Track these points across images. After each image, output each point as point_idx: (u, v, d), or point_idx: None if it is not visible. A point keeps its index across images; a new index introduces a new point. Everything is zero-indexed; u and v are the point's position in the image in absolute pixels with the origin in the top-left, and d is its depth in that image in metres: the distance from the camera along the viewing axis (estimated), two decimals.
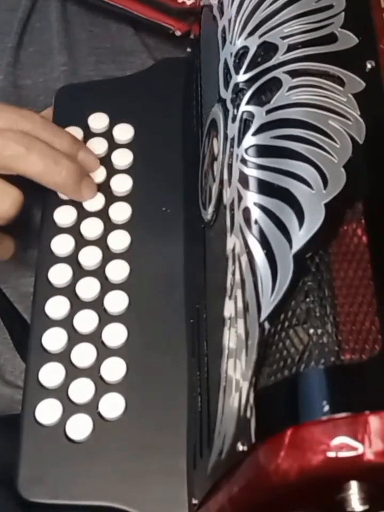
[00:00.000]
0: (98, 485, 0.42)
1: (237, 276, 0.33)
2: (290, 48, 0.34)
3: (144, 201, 0.48)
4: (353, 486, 0.30)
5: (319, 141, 0.32)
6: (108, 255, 0.47)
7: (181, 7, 0.54)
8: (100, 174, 0.49)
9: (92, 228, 0.47)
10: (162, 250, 0.46)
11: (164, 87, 0.51)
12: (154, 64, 0.53)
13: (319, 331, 0.29)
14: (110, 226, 0.48)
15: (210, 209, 0.38)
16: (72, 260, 0.47)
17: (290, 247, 0.30)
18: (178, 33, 0.54)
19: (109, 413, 0.43)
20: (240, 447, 0.31)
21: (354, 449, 0.27)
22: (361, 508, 0.30)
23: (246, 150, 0.34)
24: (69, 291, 0.46)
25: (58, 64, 0.57)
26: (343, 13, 0.34)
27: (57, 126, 0.48)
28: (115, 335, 0.44)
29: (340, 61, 0.33)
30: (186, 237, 0.46)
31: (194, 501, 0.39)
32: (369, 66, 0.33)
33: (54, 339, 0.45)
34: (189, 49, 0.50)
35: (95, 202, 0.48)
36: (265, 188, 0.32)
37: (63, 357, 0.44)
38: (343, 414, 0.27)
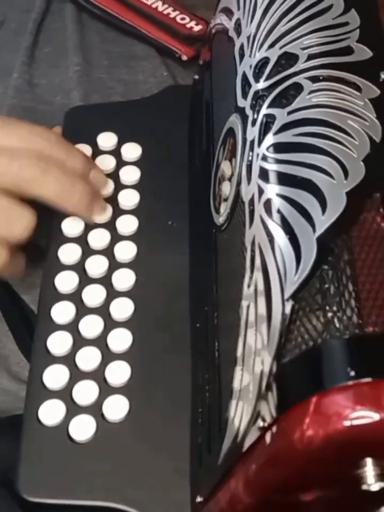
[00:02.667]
0: (100, 485, 0.42)
1: (258, 262, 0.34)
2: (310, 57, 0.37)
3: (151, 215, 0.50)
4: (369, 462, 0.31)
5: (339, 138, 0.34)
6: (114, 264, 0.48)
7: (188, 33, 0.57)
8: (108, 188, 0.51)
9: (98, 238, 0.49)
10: (168, 260, 0.48)
11: (170, 111, 0.53)
12: (161, 90, 0.55)
13: (343, 306, 0.30)
14: (116, 237, 0.49)
15: (225, 212, 0.40)
16: (78, 267, 0.48)
17: (314, 230, 0.32)
18: (184, 57, 0.57)
19: (113, 415, 0.43)
20: (260, 424, 0.32)
21: (378, 414, 0.28)
22: (378, 485, 0.31)
23: (267, 148, 0.36)
24: (75, 297, 0.47)
25: (73, 65, 0.59)
26: (358, 30, 0.38)
27: (70, 143, 0.49)
28: (120, 339, 0.45)
29: (356, 70, 0.36)
30: (192, 248, 0.47)
31: (199, 499, 0.39)
32: (383, 76, 0.36)
33: (59, 342, 0.45)
34: (196, 76, 0.53)
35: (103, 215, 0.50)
36: (287, 179, 0.34)
37: (68, 360, 0.45)
38: (368, 379, 0.28)
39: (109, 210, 0.50)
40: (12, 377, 0.52)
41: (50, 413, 0.43)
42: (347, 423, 0.29)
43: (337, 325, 0.30)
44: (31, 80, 0.59)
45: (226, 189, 0.41)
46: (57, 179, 0.46)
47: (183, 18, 0.58)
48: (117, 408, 0.43)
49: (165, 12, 0.59)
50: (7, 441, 0.45)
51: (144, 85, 0.58)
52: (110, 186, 0.51)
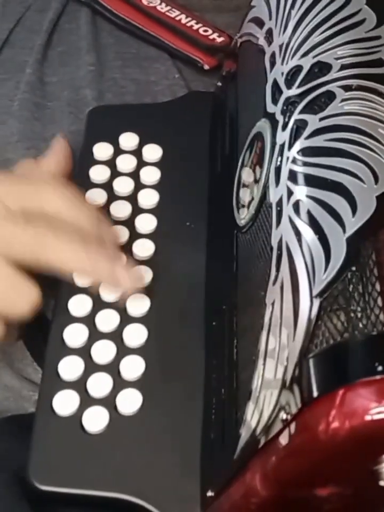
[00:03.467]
0: (110, 477, 0.42)
1: (284, 261, 0.35)
2: (343, 67, 0.38)
3: (169, 215, 0.51)
4: None
5: (370, 145, 0.35)
6: (132, 261, 0.49)
7: (211, 43, 0.58)
8: (127, 186, 0.52)
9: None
10: (184, 260, 0.49)
11: (192, 115, 0.54)
12: (183, 95, 0.56)
13: (370, 305, 0.32)
14: (135, 235, 0.50)
15: (248, 214, 0.41)
16: None
17: (344, 231, 0.33)
18: (206, 67, 0.58)
19: (126, 408, 0.44)
20: (283, 416, 0.32)
21: None
22: None
23: (297, 152, 0.37)
24: (91, 292, 0.48)
25: (86, 64, 0.60)
26: None
27: (79, 196, 0.46)
28: (136, 334, 0.46)
29: None
30: (209, 248, 0.48)
31: (210, 494, 0.40)
32: None
33: (75, 334, 0.46)
34: (219, 84, 0.54)
35: (121, 212, 0.51)
36: (317, 182, 0.36)
37: (83, 352, 0.45)
38: None
39: (128, 207, 0.50)
40: (15, 374, 0.52)
41: (64, 403, 0.43)
42: (372, 417, 0.30)
43: (364, 323, 0.31)
44: (43, 77, 0.60)
45: (251, 191, 0.42)
46: (70, 243, 0.43)
47: (205, 30, 0.60)
48: (130, 402, 0.44)
49: (188, 24, 0.60)
50: (7, 441, 0.45)
51: (156, 86, 0.59)
52: (128, 183, 0.51)
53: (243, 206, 0.44)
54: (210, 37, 0.58)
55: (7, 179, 0.46)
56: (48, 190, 0.45)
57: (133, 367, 0.45)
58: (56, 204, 0.44)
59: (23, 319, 0.45)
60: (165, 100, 0.57)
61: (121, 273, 0.44)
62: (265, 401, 0.34)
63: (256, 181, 0.41)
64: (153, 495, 0.42)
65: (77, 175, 0.53)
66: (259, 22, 0.46)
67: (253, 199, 0.41)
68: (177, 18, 0.60)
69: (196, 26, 0.59)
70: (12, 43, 0.62)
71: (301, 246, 0.34)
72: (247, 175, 0.44)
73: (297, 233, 0.35)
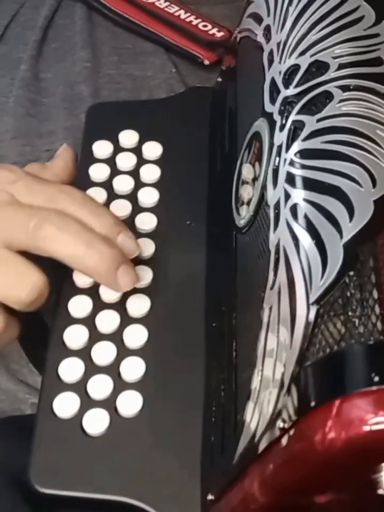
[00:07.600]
0: (111, 480, 0.42)
1: (281, 266, 0.35)
2: (341, 66, 0.37)
3: (170, 213, 0.50)
4: None
5: (368, 147, 0.35)
6: (132, 261, 0.49)
7: (211, 38, 0.58)
8: (127, 184, 0.51)
9: None
10: (185, 260, 0.49)
11: (192, 111, 0.54)
12: (183, 91, 0.56)
13: (367, 312, 0.31)
14: (135, 234, 0.49)
15: (247, 215, 0.41)
16: None
17: (341, 237, 0.33)
18: (206, 62, 0.58)
19: (126, 410, 0.44)
20: (281, 424, 0.32)
21: None
22: None
23: (295, 154, 0.37)
24: (91, 292, 0.47)
25: (81, 61, 0.59)
26: None
27: (98, 203, 0.45)
28: (136, 335, 0.46)
29: None
30: (209, 248, 0.48)
31: (210, 497, 0.40)
32: None
33: (75, 336, 0.46)
34: (219, 79, 0.54)
35: (121, 211, 0.50)
36: (315, 185, 0.35)
37: (83, 354, 0.45)
38: None
39: (128, 205, 0.50)
40: (10, 375, 0.52)
41: (65, 405, 0.43)
42: (369, 427, 0.29)
43: (361, 331, 0.31)
44: (38, 74, 0.60)
45: (249, 191, 0.41)
46: (74, 237, 0.42)
47: (205, 25, 0.59)
48: (130, 403, 0.44)
49: (188, 20, 0.60)
50: (6, 442, 0.45)
51: (152, 81, 0.59)
52: (128, 182, 0.51)
53: (243, 203, 0.43)
54: (210, 32, 0.58)
55: (23, 178, 0.44)
56: (66, 191, 0.44)
57: (134, 369, 0.45)
58: (70, 202, 0.43)
59: (25, 307, 0.43)
60: (161, 94, 0.57)
61: (122, 278, 0.43)
62: (264, 406, 0.34)
63: (254, 183, 0.40)
64: (154, 497, 0.42)
65: (77, 174, 0.53)
66: (258, 18, 0.45)
67: (251, 200, 0.41)
68: (176, 13, 0.59)
69: (195, 22, 0.59)
70: (7, 39, 0.62)
71: (298, 251, 0.34)
72: (247, 172, 0.43)
73: (295, 238, 0.34)
